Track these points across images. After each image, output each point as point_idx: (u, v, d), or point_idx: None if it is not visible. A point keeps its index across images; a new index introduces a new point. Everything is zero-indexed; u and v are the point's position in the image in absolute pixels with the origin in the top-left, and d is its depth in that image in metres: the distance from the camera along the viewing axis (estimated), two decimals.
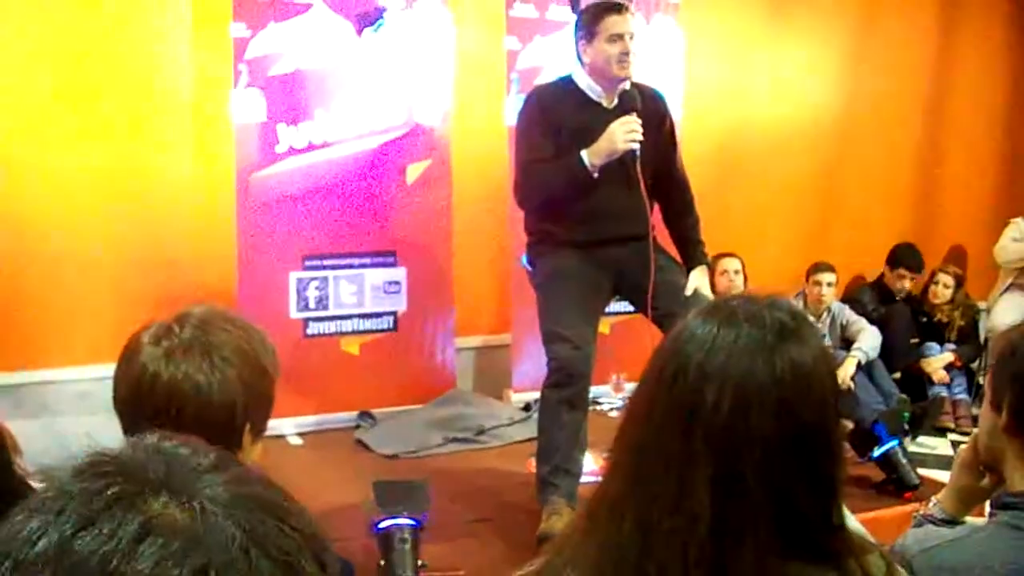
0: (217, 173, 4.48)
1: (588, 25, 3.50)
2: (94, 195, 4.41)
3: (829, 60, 5.98)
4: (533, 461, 3.94)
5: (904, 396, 5.17)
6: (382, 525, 3.01)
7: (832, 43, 5.96)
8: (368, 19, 4.51)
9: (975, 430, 1.73)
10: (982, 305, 5.97)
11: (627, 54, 3.44)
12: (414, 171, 4.67)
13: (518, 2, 4.89)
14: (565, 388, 3.39)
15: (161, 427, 1.46)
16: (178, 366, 1.48)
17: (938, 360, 5.54)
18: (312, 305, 4.51)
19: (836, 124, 6.00)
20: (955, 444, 5.10)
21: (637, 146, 3.40)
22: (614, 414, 4.64)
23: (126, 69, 4.39)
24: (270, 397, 1.56)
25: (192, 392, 1.47)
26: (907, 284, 5.82)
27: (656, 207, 3.72)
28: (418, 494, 3.16)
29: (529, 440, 4.22)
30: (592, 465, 3.63)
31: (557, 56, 4.88)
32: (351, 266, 4.58)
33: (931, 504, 1.84)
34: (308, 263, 4.49)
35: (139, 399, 1.49)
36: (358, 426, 4.43)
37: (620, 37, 3.43)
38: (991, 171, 6.54)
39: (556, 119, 3.51)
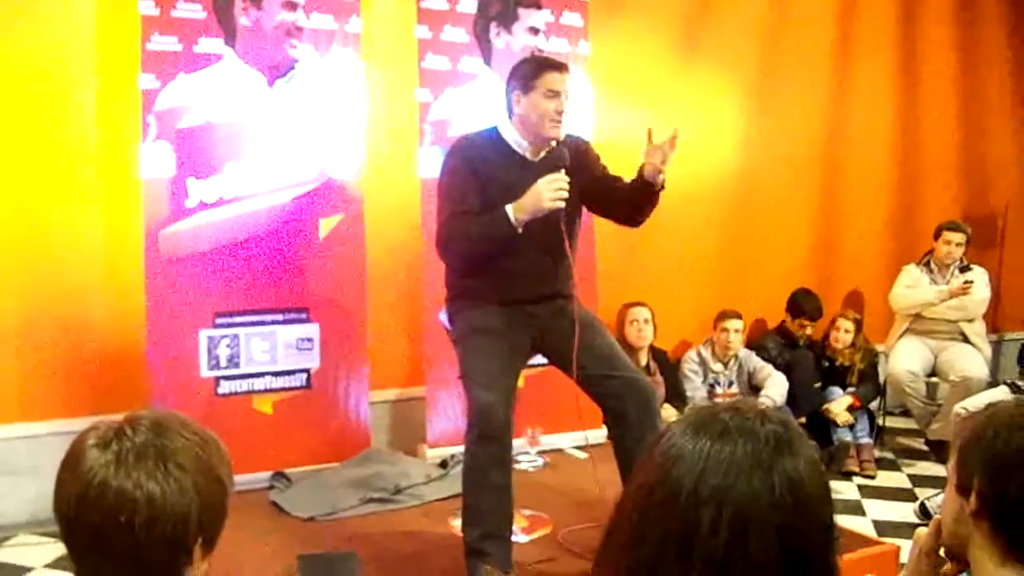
0: (125, 229, 4.35)
1: (526, 77, 3.47)
2: None
3: (732, 116, 6.10)
4: (453, 521, 3.89)
5: (813, 443, 5.24)
6: None
7: (735, 100, 6.09)
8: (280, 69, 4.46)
9: (937, 516, 1.70)
10: (880, 348, 6.14)
11: (561, 113, 3.43)
12: (326, 225, 4.59)
13: (430, 53, 4.87)
14: (491, 443, 3.26)
15: (106, 539, 1.41)
16: (129, 473, 1.39)
17: (839, 403, 5.67)
18: (223, 363, 4.39)
19: (739, 178, 6.12)
20: (861, 488, 5.23)
21: (563, 204, 3.36)
22: (531, 469, 4.62)
23: (28, 121, 4.24)
24: (225, 510, 1.47)
25: (144, 502, 1.38)
26: (809, 331, 5.97)
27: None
28: (346, 567, 3.10)
29: (448, 499, 4.18)
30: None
31: (469, 108, 4.89)
32: (263, 323, 4.47)
33: None
34: (219, 320, 4.37)
35: (84, 508, 1.40)
36: (272, 487, 4.32)
37: (557, 95, 3.42)
38: (885, 220, 6.75)
39: (481, 171, 3.47)
